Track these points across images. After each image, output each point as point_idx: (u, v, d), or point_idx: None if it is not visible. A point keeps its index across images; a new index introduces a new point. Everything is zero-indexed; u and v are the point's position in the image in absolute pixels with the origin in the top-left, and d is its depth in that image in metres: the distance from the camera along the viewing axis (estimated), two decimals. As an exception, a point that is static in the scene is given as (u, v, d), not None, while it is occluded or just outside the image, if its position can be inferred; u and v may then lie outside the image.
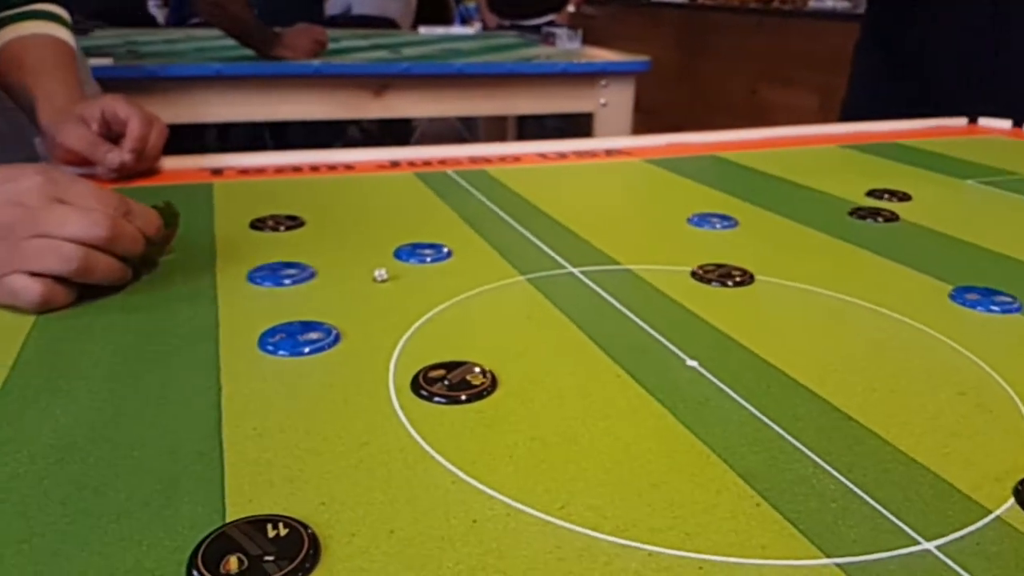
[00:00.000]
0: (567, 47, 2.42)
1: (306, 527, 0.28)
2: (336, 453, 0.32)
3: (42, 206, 0.45)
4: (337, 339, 0.42)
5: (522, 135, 3.21)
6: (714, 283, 0.52)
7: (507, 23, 3.37)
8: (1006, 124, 1.07)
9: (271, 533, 0.27)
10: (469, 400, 0.37)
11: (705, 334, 0.44)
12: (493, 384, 0.38)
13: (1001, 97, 1.26)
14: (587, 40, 2.57)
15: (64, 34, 0.89)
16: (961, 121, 1.10)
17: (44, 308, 0.45)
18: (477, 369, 0.39)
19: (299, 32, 1.93)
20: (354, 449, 0.33)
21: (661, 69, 4.18)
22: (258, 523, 0.28)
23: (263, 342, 0.42)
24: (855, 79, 1.48)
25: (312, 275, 0.51)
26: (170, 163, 0.79)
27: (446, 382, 0.38)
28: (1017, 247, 0.59)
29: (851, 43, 1.53)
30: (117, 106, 0.72)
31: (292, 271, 0.51)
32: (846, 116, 1.43)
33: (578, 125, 2.32)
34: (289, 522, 0.28)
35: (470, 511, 0.29)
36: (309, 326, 0.43)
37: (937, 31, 1.31)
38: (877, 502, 0.30)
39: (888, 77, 1.39)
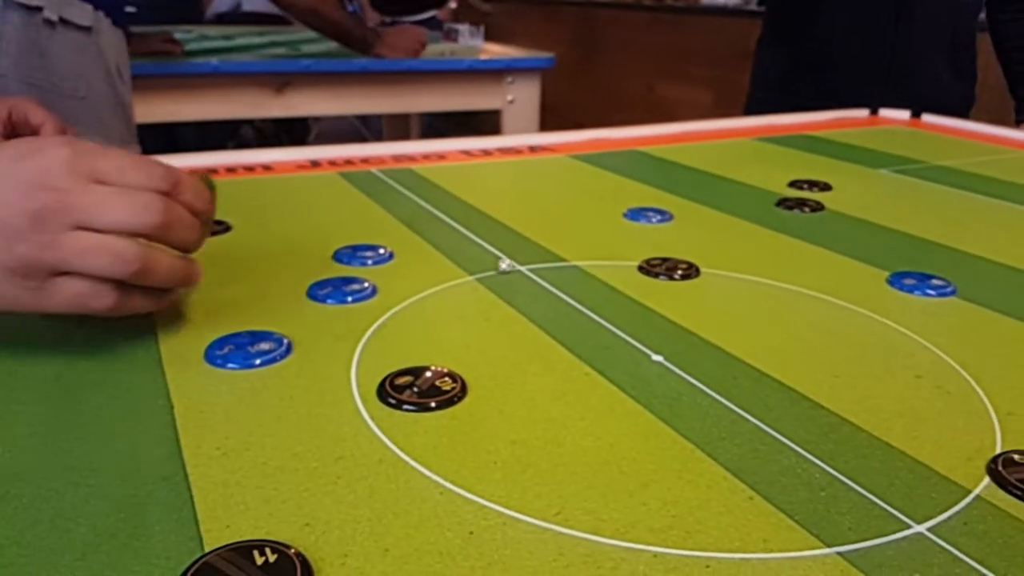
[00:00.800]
0: (469, 44, 2.41)
1: (293, 550, 0.26)
2: (311, 469, 0.31)
3: (76, 187, 0.36)
4: (289, 349, 0.40)
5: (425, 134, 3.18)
6: (661, 277, 0.52)
7: (388, 20, 3.34)
8: (904, 115, 1.12)
9: (259, 560, 0.25)
10: (440, 407, 0.35)
11: (663, 328, 0.44)
12: (463, 389, 0.37)
13: (899, 89, 1.33)
14: (487, 37, 2.56)
15: None
16: (863, 112, 1.14)
17: (118, 312, 0.37)
18: (446, 374, 0.38)
19: (400, 32, 1.98)
20: (329, 464, 0.31)
21: (560, 66, 4.23)
22: (243, 550, 0.26)
23: (210, 355, 0.39)
24: (757, 76, 1.53)
25: (250, 283, 0.49)
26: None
27: (415, 389, 0.36)
28: (940, 232, 0.62)
29: (745, 38, 1.57)
30: (29, 110, 0.67)
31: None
32: (750, 112, 1.47)
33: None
34: (277, 547, 0.26)
35: (465, 522, 0.28)
36: (258, 336, 0.41)
37: (836, 27, 1.36)
38: (863, 488, 0.30)
39: (790, 73, 1.44)
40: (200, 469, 0.31)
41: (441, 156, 0.85)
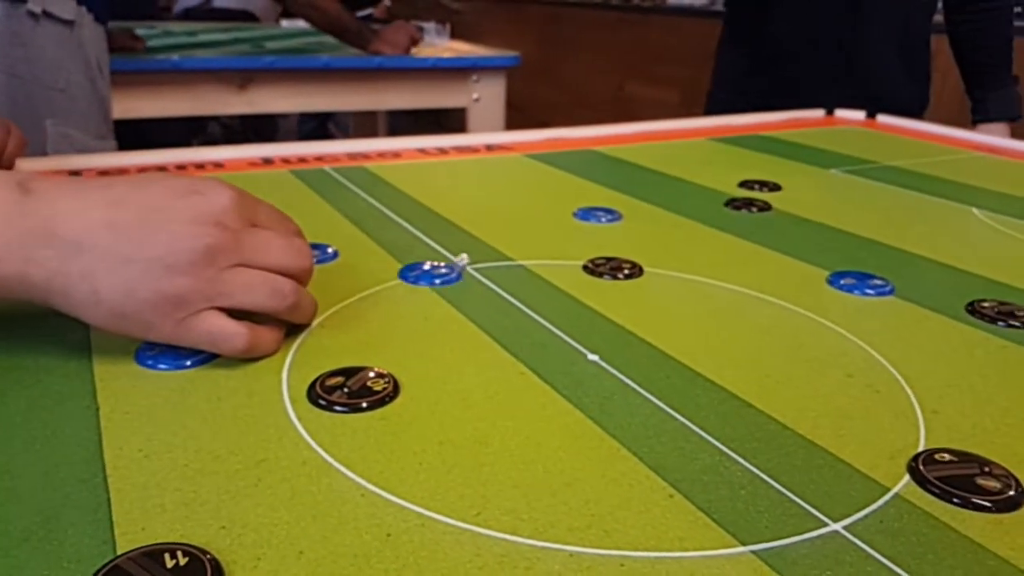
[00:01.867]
0: (435, 42, 2.40)
1: (206, 554, 0.26)
2: (232, 472, 0.30)
3: (242, 229, 0.38)
4: (222, 349, 0.40)
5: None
6: (606, 276, 0.52)
7: None
8: (860, 115, 1.14)
9: (169, 563, 0.25)
10: (371, 407, 0.35)
11: (602, 328, 0.45)
12: (395, 389, 0.36)
13: (854, 89, 1.34)
14: (455, 36, 2.56)
15: None
16: (819, 113, 1.16)
17: (248, 355, 0.38)
18: (379, 375, 0.37)
19: (396, 28, 2.00)
20: (251, 467, 0.31)
21: (528, 65, 4.22)
22: (154, 553, 0.25)
23: (141, 356, 0.39)
24: (717, 75, 1.54)
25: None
26: (26, 165, 0.73)
27: (345, 389, 0.36)
28: (883, 232, 0.62)
29: (710, 39, 1.59)
30: None
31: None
32: (710, 111, 1.48)
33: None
34: (188, 550, 0.26)
35: (383, 524, 0.28)
36: (191, 336, 0.40)
37: (792, 27, 1.37)
38: (783, 487, 0.31)
39: (749, 72, 1.45)
40: (120, 471, 0.30)
41: (396, 154, 0.85)
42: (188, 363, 0.38)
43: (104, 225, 0.35)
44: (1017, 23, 1.50)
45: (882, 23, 1.34)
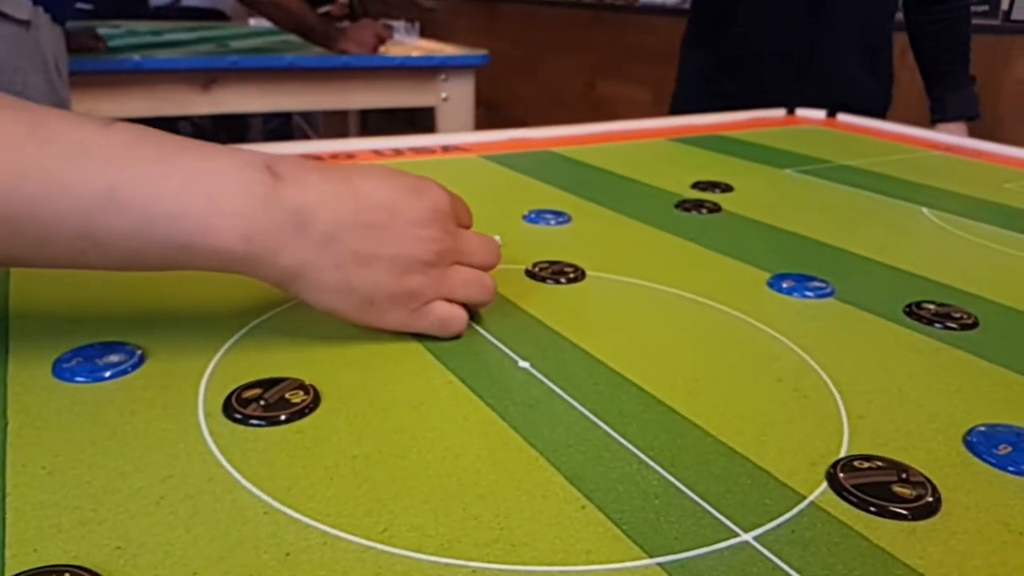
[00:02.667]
0: (404, 40, 2.39)
1: (96, 577, 0.25)
2: (135, 489, 0.30)
3: (457, 231, 0.43)
4: (142, 360, 0.39)
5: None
6: (548, 281, 0.52)
7: None
8: (820, 114, 1.14)
9: (53, 588, 0.24)
10: (289, 420, 0.34)
11: (538, 334, 0.44)
12: (316, 400, 0.36)
13: (816, 89, 1.35)
14: (428, 34, 2.55)
15: None
16: (780, 112, 1.16)
17: (458, 336, 0.43)
18: (299, 385, 0.37)
19: (363, 27, 1.99)
20: (156, 484, 0.30)
21: (503, 64, 4.21)
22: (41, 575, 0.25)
23: (58, 368, 0.38)
24: (681, 75, 1.54)
25: (111, 290, 0.47)
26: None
27: (262, 402, 0.35)
28: (829, 233, 0.62)
29: (680, 38, 1.59)
30: None
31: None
32: (675, 110, 1.49)
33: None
34: (77, 572, 0.25)
35: (283, 543, 0.27)
36: (110, 347, 0.39)
37: (754, 27, 1.38)
38: (698, 496, 0.30)
39: (713, 73, 1.46)
40: (20, 489, 0.29)
41: (350, 155, 0.84)
42: (107, 375, 0.38)
43: (353, 221, 0.39)
44: (976, 21, 1.51)
45: (843, 24, 1.35)
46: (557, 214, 0.65)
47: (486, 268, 0.44)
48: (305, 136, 3.77)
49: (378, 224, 0.39)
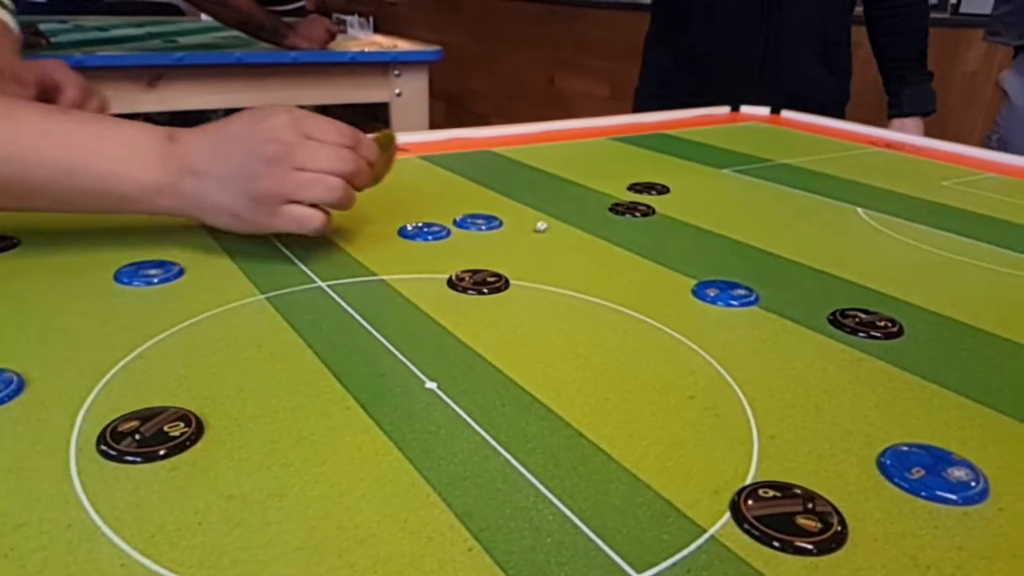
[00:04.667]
0: (358, 35, 2.35)
1: (-81, 648, 0.23)
2: (-17, 541, 0.27)
3: (296, 141, 0.49)
4: (20, 388, 0.36)
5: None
6: (469, 291, 0.50)
7: None
8: (764, 111, 1.14)
9: None
10: (169, 454, 0.32)
11: (450, 350, 0.42)
12: (198, 432, 0.34)
13: (773, 84, 1.34)
14: (387, 28, 2.51)
15: (7, 18, 0.89)
16: (724, 109, 1.15)
17: (323, 232, 0.52)
18: (179, 416, 0.34)
19: (312, 22, 1.96)
20: (8, 532, 0.28)
21: (464, 58, 4.18)
22: None
23: (-75, 400, 0.35)
24: (645, 71, 1.53)
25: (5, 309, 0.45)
26: None
27: (137, 436, 0.33)
28: (760, 236, 0.61)
29: (638, 31, 1.57)
30: (56, 71, 0.71)
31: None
32: (638, 107, 1.48)
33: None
34: None
35: (136, 600, 0.25)
36: (-14, 376, 0.37)
37: (711, 23, 1.37)
38: (594, 531, 0.29)
39: (673, 70, 1.45)
40: None
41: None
42: (-22, 407, 0.35)
43: (213, 155, 0.50)
44: (934, 15, 1.51)
45: (799, 20, 1.34)
46: (488, 219, 0.64)
47: (333, 173, 0.50)
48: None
49: (226, 151, 0.50)
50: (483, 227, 0.62)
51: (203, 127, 0.52)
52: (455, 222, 0.63)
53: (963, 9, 1.87)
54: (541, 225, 0.59)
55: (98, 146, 0.49)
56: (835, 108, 1.41)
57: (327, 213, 0.52)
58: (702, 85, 1.39)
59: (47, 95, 0.72)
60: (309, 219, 0.50)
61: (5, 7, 0.92)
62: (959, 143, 0.97)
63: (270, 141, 0.49)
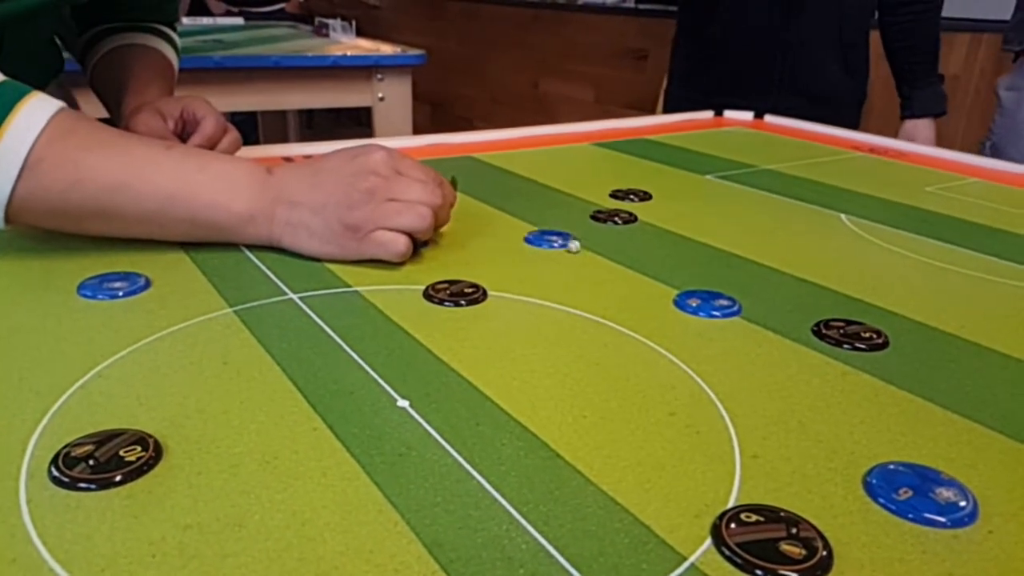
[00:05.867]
0: (340, 39, 2.34)
1: None
2: (-80, 578, 0.26)
3: (391, 176, 0.54)
4: (-29, 411, 0.35)
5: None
6: (446, 303, 0.49)
7: (235, 10, 3.24)
8: (748, 116, 1.13)
9: None
10: (124, 481, 0.31)
11: (424, 366, 0.41)
12: (156, 456, 0.32)
13: (791, 85, 1.35)
14: (371, 33, 2.50)
15: (171, 55, 0.91)
16: (708, 114, 1.14)
17: (404, 258, 0.54)
18: (137, 440, 0.33)
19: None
20: (-53, 569, 0.26)
21: (448, 62, 4.17)
22: None
23: None
24: (671, 70, 1.53)
25: (-37, 326, 0.43)
26: None
27: (91, 461, 0.31)
28: (743, 244, 0.60)
29: (621, 37, 1.57)
30: (196, 106, 0.74)
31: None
32: (669, 108, 1.48)
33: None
34: None
35: (80, 643, 0.23)
36: (-67, 398, 0.35)
37: (730, 23, 1.37)
38: (569, 560, 0.27)
39: (697, 69, 1.45)
40: None
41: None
42: (-75, 431, 0.33)
43: (310, 187, 0.54)
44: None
45: (817, 18, 1.35)
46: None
47: (425, 204, 0.53)
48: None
49: (324, 183, 0.54)
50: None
51: (298, 163, 0.56)
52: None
53: (945, 13, 1.88)
54: (573, 246, 0.58)
55: (199, 177, 0.53)
56: (852, 108, 1.44)
57: (411, 239, 0.54)
58: (724, 85, 1.40)
59: (187, 128, 0.75)
60: (394, 242, 0.53)
61: (166, 38, 0.92)
62: (942, 147, 0.96)
63: (367, 174, 0.53)
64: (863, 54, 1.44)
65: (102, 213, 0.51)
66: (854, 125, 1.39)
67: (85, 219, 0.52)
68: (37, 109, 0.50)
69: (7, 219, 0.50)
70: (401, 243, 0.53)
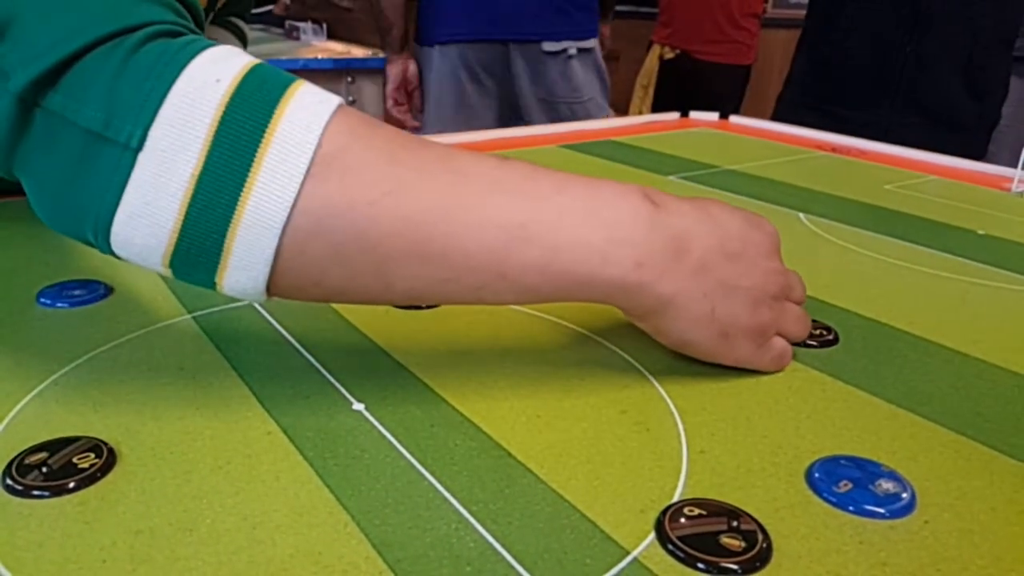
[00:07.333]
0: (311, 42, 2.33)
1: None
2: None
3: (784, 269, 0.42)
4: (-76, 422, 0.35)
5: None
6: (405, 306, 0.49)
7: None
8: (713, 116, 1.14)
9: None
10: (77, 488, 0.31)
11: (382, 368, 0.41)
12: (109, 463, 0.32)
13: (909, 100, 1.32)
14: (344, 36, 2.49)
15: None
16: (674, 115, 1.15)
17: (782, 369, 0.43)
18: (90, 447, 0.33)
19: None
20: None
21: (419, 63, 4.15)
22: None
23: None
24: (790, 77, 1.51)
25: (-81, 337, 0.43)
26: None
27: (44, 469, 0.32)
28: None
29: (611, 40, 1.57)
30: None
31: None
32: (778, 113, 1.46)
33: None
34: None
35: (27, 648, 0.24)
36: None
37: (853, 32, 1.35)
38: (515, 558, 0.28)
39: (811, 76, 1.44)
40: None
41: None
42: None
43: (719, 250, 0.38)
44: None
45: (944, 40, 1.31)
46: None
47: (800, 303, 0.44)
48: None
49: (736, 255, 0.39)
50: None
51: (687, 201, 0.40)
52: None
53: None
54: None
55: (559, 200, 0.36)
56: (978, 133, 1.38)
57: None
58: (841, 95, 1.37)
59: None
60: (787, 355, 0.42)
61: (234, 30, 0.87)
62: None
63: (775, 270, 0.41)
64: (995, 76, 1.38)
65: (417, 251, 0.34)
66: (979, 150, 1.32)
67: (392, 259, 0.34)
68: (309, 94, 0.34)
69: (283, 237, 0.32)
70: (790, 356, 0.43)
